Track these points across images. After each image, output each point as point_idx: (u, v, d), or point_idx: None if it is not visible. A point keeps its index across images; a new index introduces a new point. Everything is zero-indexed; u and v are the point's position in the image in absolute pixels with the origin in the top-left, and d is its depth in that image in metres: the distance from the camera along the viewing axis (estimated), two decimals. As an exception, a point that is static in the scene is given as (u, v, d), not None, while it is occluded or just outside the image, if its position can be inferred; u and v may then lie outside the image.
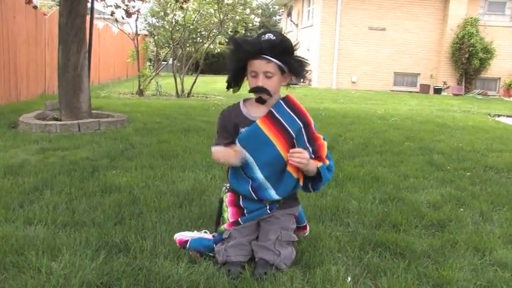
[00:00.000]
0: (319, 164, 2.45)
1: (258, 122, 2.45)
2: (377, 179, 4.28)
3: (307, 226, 2.87)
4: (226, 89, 2.59)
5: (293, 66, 2.42)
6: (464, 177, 4.52)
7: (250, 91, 2.47)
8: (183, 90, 12.75)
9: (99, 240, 2.70)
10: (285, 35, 2.53)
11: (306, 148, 2.47)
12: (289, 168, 2.44)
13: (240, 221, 2.54)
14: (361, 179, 4.25)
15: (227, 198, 2.64)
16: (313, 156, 2.47)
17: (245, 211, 2.56)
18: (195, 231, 2.72)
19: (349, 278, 2.41)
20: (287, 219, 2.58)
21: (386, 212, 3.40)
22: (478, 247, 2.84)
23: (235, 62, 2.44)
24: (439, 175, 4.57)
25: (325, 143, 2.55)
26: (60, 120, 6.59)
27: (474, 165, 5.01)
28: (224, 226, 2.57)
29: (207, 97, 12.79)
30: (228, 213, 2.59)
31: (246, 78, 2.52)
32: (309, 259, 2.56)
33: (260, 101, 2.47)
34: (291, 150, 2.38)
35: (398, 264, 2.55)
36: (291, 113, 2.49)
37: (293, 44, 2.45)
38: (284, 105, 2.50)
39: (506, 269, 2.59)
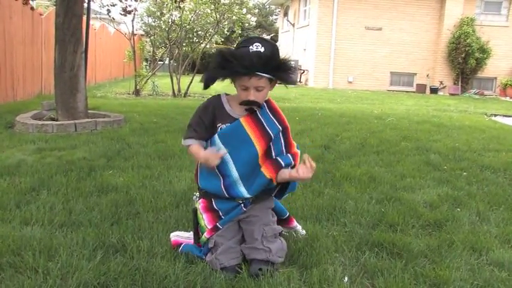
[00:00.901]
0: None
1: (241, 120, 2.45)
2: (374, 179, 4.28)
3: (293, 219, 2.84)
4: (203, 89, 2.52)
5: (285, 76, 2.39)
6: (461, 177, 4.53)
7: (241, 104, 2.43)
8: (179, 90, 12.74)
9: (96, 240, 2.69)
10: (269, 40, 2.46)
11: (282, 152, 2.52)
12: (263, 169, 2.45)
13: (219, 225, 2.50)
14: (357, 178, 4.26)
15: (200, 205, 2.60)
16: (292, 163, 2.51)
17: (220, 213, 2.53)
18: (191, 232, 2.72)
19: (346, 278, 2.41)
20: (265, 214, 2.57)
21: (383, 211, 3.40)
22: (475, 247, 2.85)
23: (222, 75, 2.37)
24: (436, 175, 4.58)
25: (299, 152, 2.58)
26: (56, 120, 6.57)
27: (471, 165, 5.02)
28: (204, 235, 2.53)
29: (203, 97, 12.76)
30: (205, 220, 2.55)
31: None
32: (305, 259, 2.56)
33: (251, 110, 2.46)
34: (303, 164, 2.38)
35: (395, 264, 2.56)
36: (272, 117, 2.51)
37: (278, 51, 2.40)
38: (266, 108, 2.52)
39: (502, 268, 2.60)
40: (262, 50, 2.29)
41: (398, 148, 5.81)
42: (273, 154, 2.50)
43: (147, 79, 12.83)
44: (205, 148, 2.48)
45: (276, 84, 2.50)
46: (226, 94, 2.58)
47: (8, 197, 3.41)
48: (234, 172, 2.46)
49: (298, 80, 20.17)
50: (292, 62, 2.48)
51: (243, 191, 2.48)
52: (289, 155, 2.53)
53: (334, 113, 9.40)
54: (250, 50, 2.29)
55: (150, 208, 3.28)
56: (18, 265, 2.38)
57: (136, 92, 12.53)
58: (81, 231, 2.83)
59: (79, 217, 3.08)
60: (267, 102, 2.54)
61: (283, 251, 2.52)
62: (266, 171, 2.45)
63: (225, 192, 2.48)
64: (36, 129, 6.09)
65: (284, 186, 2.60)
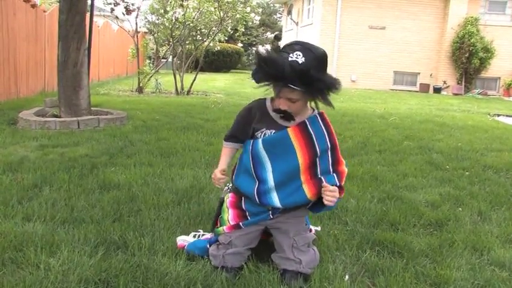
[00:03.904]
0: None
1: (289, 130, 2.34)
2: (376, 178, 4.28)
3: (312, 229, 2.81)
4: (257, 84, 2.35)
5: (317, 94, 2.22)
6: (463, 176, 4.52)
7: (273, 111, 2.36)
8: (182, 88, 12.74)
9: (98, 237, 2.70)
10: (316, 50, 2.22)
11: (328, 171, 2.39)
12: (304, 187, 2.33)
13: (242, 225, 2.44)
14: (360, 177, 4.25)
15: (229, 199, 2.54)
16: (337, 183, 2.37)
17: (247, 213, 2.46)
18: (196, 236, 2.72)
19: (347, 277, 2.41)
20: (296, 222, 2.46)
21: (384, 211, 3.40)
22: (476, 246, 2.85)
23: (257, 78, 2.24)
24: (438, 174, 4.57)
25: (346, 170, 2.45)
26: (59, 117, 6.58)
27: (473, 165, 5.01)
28: (223, 228, 2.48)
29: (206, 95, 12.79)
30: (229, 215, 2.49)
31: None
32: (307, 257, 2.56)
33: (285, 118, 2.36)
34: (324, 188, 2.28)
35: (396, 263, 2.56)
36: (324, 130, 2.38)
37: (322, 64, 2.22)
38: (319, 120, 2.40)
39: (503, 268, 2.60)
40: (301, 61, 2.14)
41: (401, 147, 5.81)
42: (319, 172, 2.37)
43: (150, 77, 12.83)
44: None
45: None
46: (272, 100, 2.43)
47: (11, 193, 3.42)
48: (271, 179, 2.35)
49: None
50: (334, 80, 2.22)
51: (276, 201, 2.35)
52: (334, 174, 2.39)
53: (337, 111, 9.38)
54: (289, 59, 2.14)
55: (151, 205, 3.29)
56: (20, 261, 2.39)
57: (140, 90, 12.54)
58: (82, 227, 2.84)
59: (81, 214, 3.09)
60: (321, 114, 2.41)
61: (315, 262, 2.45)
62: (308, 191, 2.33)
63: (256, 197, 2.38)
64: (39, 126, 6.10)
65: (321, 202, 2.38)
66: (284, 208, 2.39)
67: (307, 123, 2.36)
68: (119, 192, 3.56)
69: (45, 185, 3.66)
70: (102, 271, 2.30)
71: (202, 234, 2.74)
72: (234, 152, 2.59)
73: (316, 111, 2.43)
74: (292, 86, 2.15)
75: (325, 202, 2.26)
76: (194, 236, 2.75)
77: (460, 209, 3.57)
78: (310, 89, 2.18)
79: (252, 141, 2.40)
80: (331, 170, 2.40)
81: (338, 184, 2.36)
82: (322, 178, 2.34)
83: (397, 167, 4.77)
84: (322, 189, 2.29)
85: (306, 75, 2.12)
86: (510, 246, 2.93)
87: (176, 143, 5.39)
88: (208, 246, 2.53)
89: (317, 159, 2.35)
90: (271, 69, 2.15)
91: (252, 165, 2.40)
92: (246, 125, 2.44)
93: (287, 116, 2.33)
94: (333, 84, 2.20)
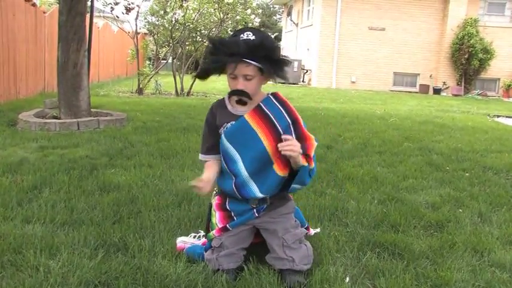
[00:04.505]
0: (304, 163, 2.30)
1: (246, 116, 2.36)
2: (376, 179, 4.28)
3: (310, 228, 2.82)
4: (199, 79, 2.48)
5: (273, 67, 2.28)
6: (463, 177, 4.52)
7: (230, 94, 2.37)
8: (182, 89, 12.75)
9: (98, 239, 2.70)
10: (262, 31, 2.40)
11: None
12: (275, 166, 2.34)
13: (229, 227, 2.43)
14: (360, 179, 4.25)
15: (215, 202, 2.55)
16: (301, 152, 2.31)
17: (232, 214, 2.46)
18: (196, 238, 2.72)
19: (348, 278, 2.41)
20: (283, 220, 2.46)
21: (385, 212, 3.40)
22: (477, 248, 2.85)
23: (212, 63, 2.32)
24: (438, 176, 4.57)
25: (315, 144, 2.41)
26: (59, 119, 6.58)
27: (473, 166, 5.01)
28: (213, 233, 2.48)
29: (206, 96, 12.79)
30: (216, 218, 2.50)
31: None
32: (307, 259, 2.56)
33: (241, 102, 2.37)
34: (283, 140, 2.27)
35: (397, 264, 2.56)
36: (281, 109, 2.40)
37: (273, 43, 2.32)
38: (274, 100, 2.42)
39: (504, 270, 2.59)
40: (252, 38, 2.23)
41: (401, 148, 5.80)
42: None
43: (150, 78, 12.84)
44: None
45: (273, 83, 2.44)
46: (229, 95, 2.47)
47: (10, 195, 3.41)
48: (243, 171, 2.37)
49: (302, 79, 20.16)
50: (285, 56, 2.35)
51: (255, 190, 2.36)
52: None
53: (337, 113, 9.39)
54: (241, 38, 2.24)
55: (151, 207, 3.28)
56: (20, 263, 2.39)
57: (139, 91, 12.54)
58: (82, 229, 2.83)
59: (81, 216, 3.08)
60: (274, 95, 2.44)
61: (309, 257, 2.44)
62: (277, 168, 2.34)
63: (236, 192, 2.39)
64: (38, 127, 6.10)
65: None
66: (268, 203, 2.40)
67: (262, 105, 2.39)
68: (118, 193, 3.55)
69: (45, 187, 3.65)
70: (102, 273, 2.30)
71: (203, 235, 2.73)
72: (217, 165, 2.49)
73: (269, 93, 2.47)
74: (247, 60, 2.22)
75: (282, 152, 2.23)
76: (194, 237, 2.75)
77: (460, 210, 3.57)
78: (264, 63, 2.24)
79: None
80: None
81: (307, 153, 2.33)
82: None
83: (397, 168, 4.77)
84: (279, 144, 2.25)
85: (258, 48, 2.22)
86: (511, 247, 2.92)
87: (176, 144, 5.39)
88: (204, 252, 2.52)
89: (281, 138, 2.32)
90: (226, 48, 2.23)
91: (224, 163, 2.42)
92: (214, 128, 2.46)
93: (244, 95, 2.31)
94: (284, 58, 2.31)
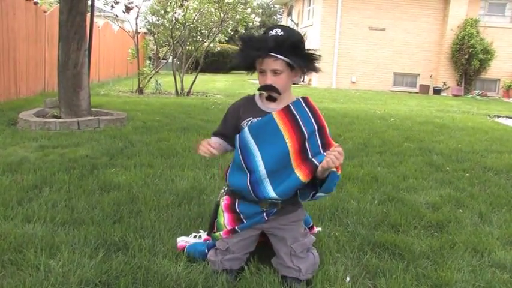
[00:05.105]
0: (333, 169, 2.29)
1: (274, 114, 2.35)
2: (376, 180, 4.28)
3: (314, 227, 2.82)
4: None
5: (302, 61, 2.32)
6: (463, 178, 4.52)
7: (259, 89, 2.38)
8: (182, 89, 12.74)
9: (98, 238, 2.70)
10: (291, 28, 2.44)
11: (319, 153, 2.35)
12: (297, 171, 2.31)
13: (237, 229, 2.42)
14: (360, 179, 4.25)
15: (224, 202, 2.52)
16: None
17: (242, 217, 2.45)
18: (197, 237, 2.72)
19: (348, 278, 2.41)
20: (293, 228, 2.44)
21: (385, 212, 3.40)
22: (477, 248, 2.85)
23: (243, 60, 2.35)
24: (438, 176, 4.57)
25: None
26: (59, 118, 6.58)
27: (473, 166, 5.01)
28: (220, 234, 2.46)
29: (206, 96, 12.78)
30: (225, 219, 2.48)
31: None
32: (307, 259, 2.56)
33: (271, 98, 2.40)
34: (306, 144, 2.32)
35: (397, 264, 2.56)
36: (309, 113, 2.40)
37: (301, 38, 2.37)
38: (303, 104, 2.43)
39: (504, 270, 2.60)
40: (280, 33, 2.28)
41: (401, 149, 5.80)
42: (309, 155, 2.34)
43: (151, 77, 12.83)
44: (229, 144, 2.50)
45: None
46: (260, 95, 2.50)
47: (10, 194, 3.41)
48: (262, 167, 2.33)
49: (302, 79, 20.15)
50: (314, 50, 2.38)
51: (269, 190, 2.32)
52: (325, 154, 2.31)
53: (337, 113, 9.39)
54: (269, 34, 2.29)
55: (152, 207, 3.29)
56: (20, 262, 2.39)
57: (140, 90, 12.53)
58: (83, 229, 2.84)
59: (81, 215, 3.08)
60: (304, 99, 2.46)
61: (314, 265, 2.44)
62: (300, 174, 2.30)
63: (250, 189, 2.34)
64: (38, 126, 6.10)
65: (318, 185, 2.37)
66: (280, 205, 2.37)
67: (291, 107, 2.39)
68: (119, 193, 3.56)
69: (45, 186, 3.65)
70: (103, 273, 2.30)
71: (205, 233, 2.73)
72: (217, 146, 2.46)
73: (300, 97, 2.48)
74: (274, 54, 2.25)
75: (327, 159, 2.21)
76: (195, 237, 2.75)
77: (460, 210, 3.57)
78: (292, 56, 2.28)
79: (238, 134, 2.40)
80: (322, 151, 2.37)
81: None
82: (314, 160, 2.32)
83: (397, 169, 4.77)
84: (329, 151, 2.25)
85: (285, 42, 2.26)
86: (511, 248, 2.93)
87: (176, 144, 5.39)
88: (206, 251, 2.52)
89: (306, 143, 2.35)
90: (255, 43, 2.28)
91: (241, 158, 2.39)
92: (233, 119, 2.48)
93: (273, 90, 2.34)
94: (311, 52, 2.36)
